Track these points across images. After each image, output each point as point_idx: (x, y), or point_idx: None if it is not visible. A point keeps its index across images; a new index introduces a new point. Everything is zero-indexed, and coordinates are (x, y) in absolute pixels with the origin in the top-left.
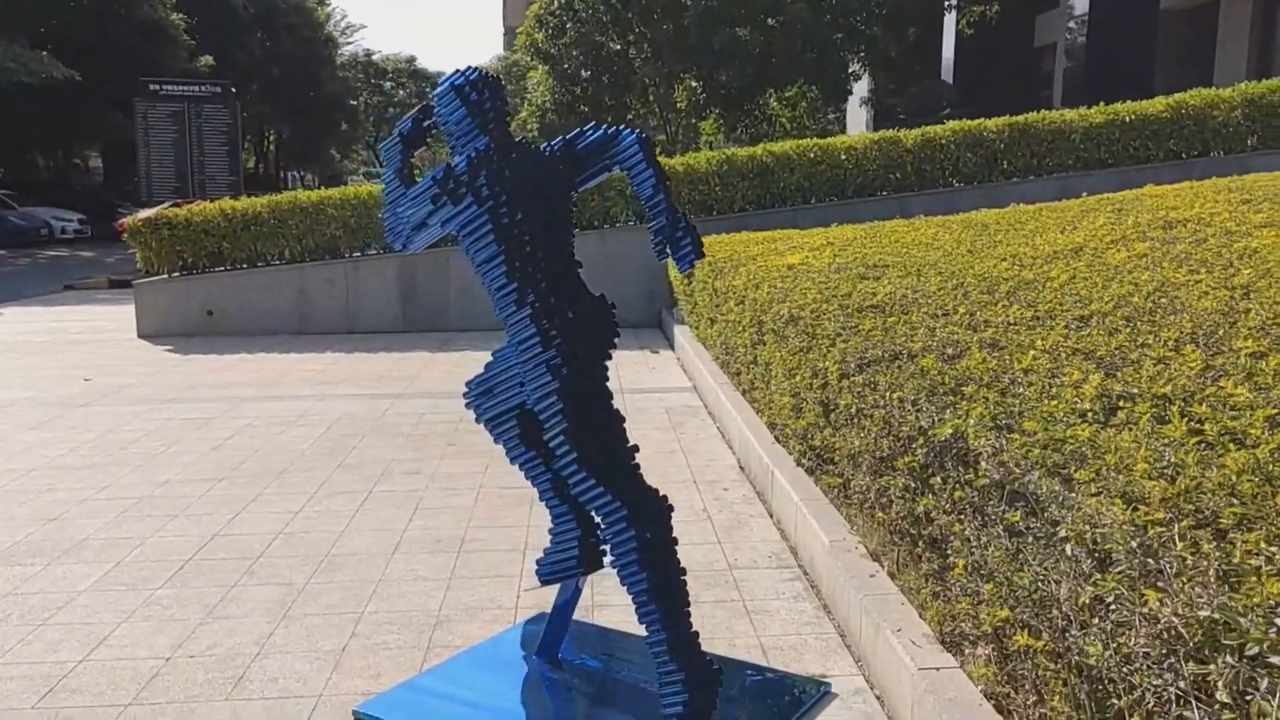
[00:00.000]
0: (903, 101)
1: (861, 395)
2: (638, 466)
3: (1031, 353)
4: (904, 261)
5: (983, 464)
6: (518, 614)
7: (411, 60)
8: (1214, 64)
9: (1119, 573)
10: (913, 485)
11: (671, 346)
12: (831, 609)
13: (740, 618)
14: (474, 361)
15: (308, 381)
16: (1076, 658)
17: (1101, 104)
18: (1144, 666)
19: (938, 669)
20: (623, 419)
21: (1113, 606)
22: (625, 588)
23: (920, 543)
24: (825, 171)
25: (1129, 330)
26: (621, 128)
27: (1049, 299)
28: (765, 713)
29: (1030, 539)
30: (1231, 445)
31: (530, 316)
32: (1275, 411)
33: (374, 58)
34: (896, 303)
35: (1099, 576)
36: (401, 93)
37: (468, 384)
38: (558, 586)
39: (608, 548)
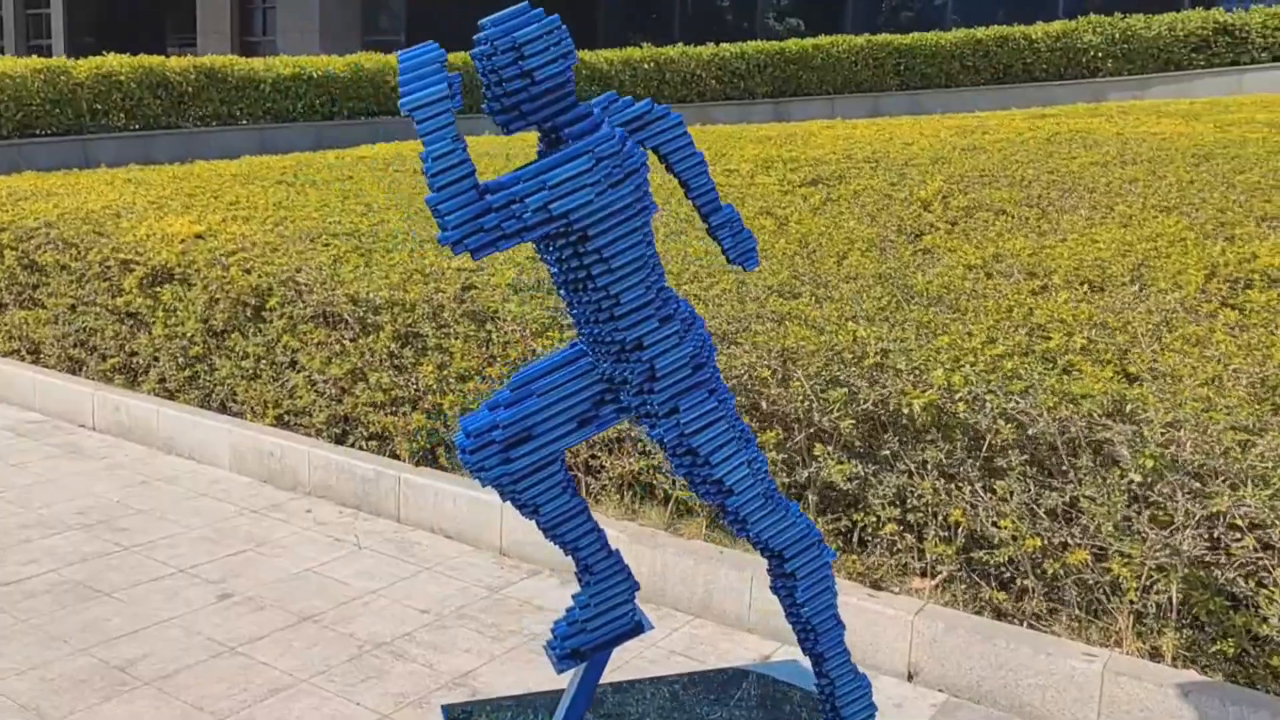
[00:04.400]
0: None
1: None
2: None
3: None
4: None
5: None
6: None
7: None
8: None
9: None
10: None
11: None
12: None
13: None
14: None
15: None
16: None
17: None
18: None
19: (920, 609)
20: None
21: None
22: (813, 617)
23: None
24: None
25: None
26: (651, 102)
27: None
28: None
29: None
30: None
31: (679, 333)
32: None
33: None
34: None
35: None
36: None
37: (471, 433)
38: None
39: (797, 574)
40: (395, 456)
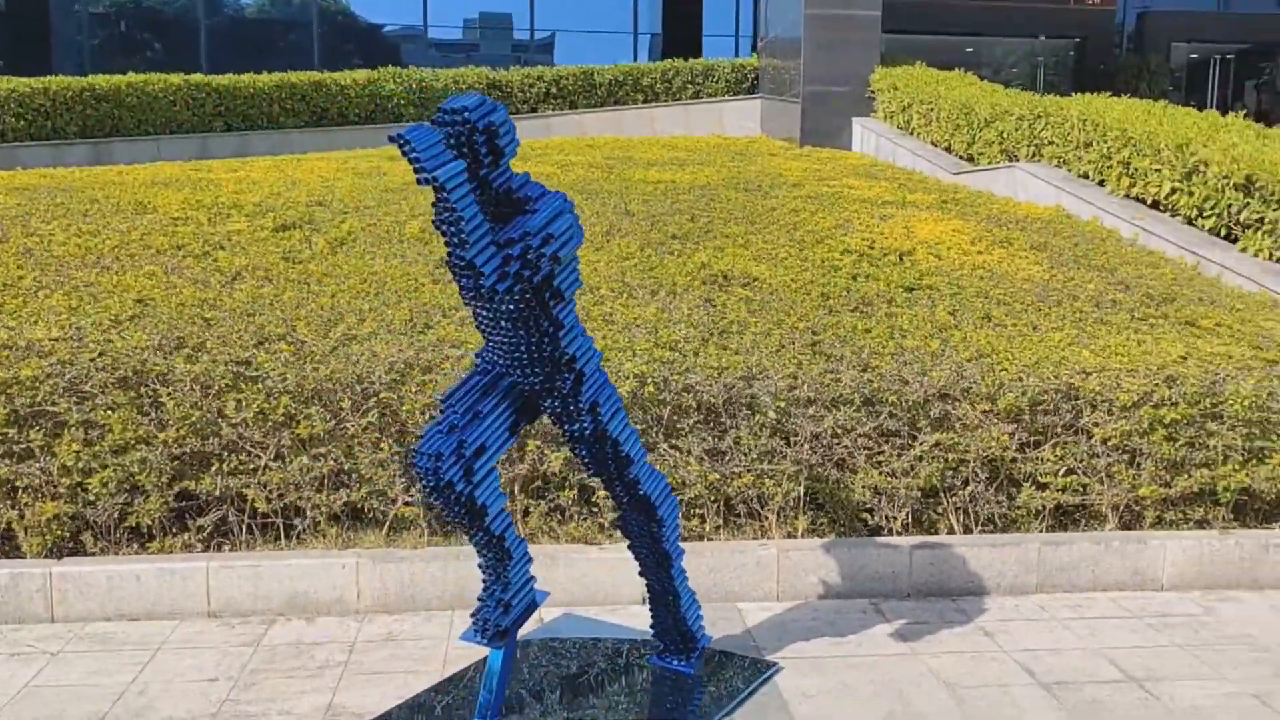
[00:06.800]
0: None
1: None
2: None
3: None
4: None
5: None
6: None
7: None
8: None
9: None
10: None
11: None
12: (425, 605)
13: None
14: None
15: None
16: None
17: None
18: None
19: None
20: None
21: None
22: (671, 549)
23: None
24: None
25: None
26: None
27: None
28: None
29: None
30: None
31: (592, 345)
32: None
33: None
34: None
35: None
36: None
37: (444, 455)
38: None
39: (664, 519)
40: (15, 555)
